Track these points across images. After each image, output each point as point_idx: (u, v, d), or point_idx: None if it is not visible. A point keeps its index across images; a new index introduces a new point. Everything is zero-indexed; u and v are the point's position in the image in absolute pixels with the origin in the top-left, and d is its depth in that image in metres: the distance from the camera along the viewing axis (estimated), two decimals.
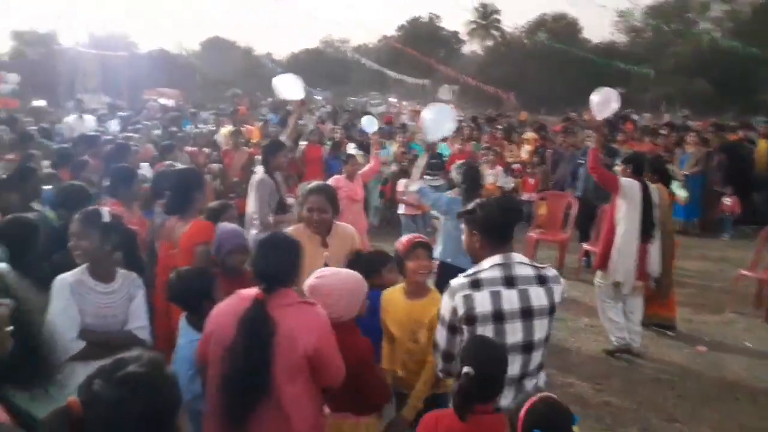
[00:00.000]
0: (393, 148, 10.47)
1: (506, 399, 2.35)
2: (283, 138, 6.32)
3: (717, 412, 4.39)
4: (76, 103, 10.87)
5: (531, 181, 10.15)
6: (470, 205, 2.62)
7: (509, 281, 2.41)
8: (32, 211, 4.03)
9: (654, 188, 5.35)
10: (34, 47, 36.66)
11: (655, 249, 5.31)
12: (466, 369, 2.12)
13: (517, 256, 2.49)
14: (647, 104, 29.92)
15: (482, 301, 2.37)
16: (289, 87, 6.28)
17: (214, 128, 10.86)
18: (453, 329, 2.45)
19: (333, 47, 50.16)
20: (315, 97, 27.96)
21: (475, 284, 2.41)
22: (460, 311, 2.39)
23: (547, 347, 2.51)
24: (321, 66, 42.73)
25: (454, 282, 2.48)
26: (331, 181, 5.55)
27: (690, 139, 10.31)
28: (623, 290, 5.28)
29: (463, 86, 32.37)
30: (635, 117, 18.96)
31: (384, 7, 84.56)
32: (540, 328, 2.42)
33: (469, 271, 2.49)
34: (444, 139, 11.07)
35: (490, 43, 47.63)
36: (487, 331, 2.36)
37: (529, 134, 12.14)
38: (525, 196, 9.96)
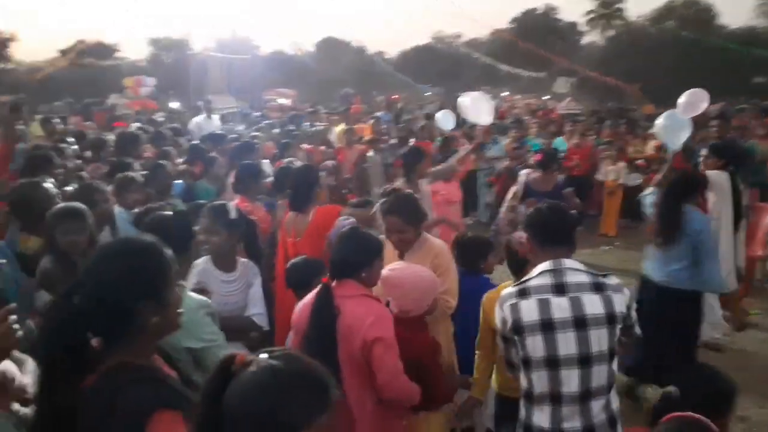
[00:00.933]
0: (504, 143, 10.23)
1: (569, 421, 2.22)
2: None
3: None
4: (205, 104, 11.63)
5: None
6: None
7: (559, 288, 2.26)
8: (165, 202, 4.38)
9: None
10: (169, 52, 39.96)
11: (740, 241, 5.18)
12: (671, 388, 1.99)
13: (570, 262, 2.32)
14: None
15: (529, 310, 2.26)
16: (478, 109, 5.87)
17: (327, 126, 11.20)
18: (506, 339, 2.39)
19: (444, 43, 49.95)
20: (425, 93, 28.02)
21: (523, 293, 2.31)
22: (509, 321, 2.31)
23: (613, 363, 2.28)
24: (432, 62, 42.72)
25: (504, 291, 2.42)
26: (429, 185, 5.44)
27: None
28: (729, 286, 4.93)
29: (581, 79, 30.92)
30: None
31: (496, 0, 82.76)
32: (598, 339, 2.21)
33: (522, 279, 2.42)
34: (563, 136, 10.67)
35: (611, 33, 45.11)
36: (536, 341, 2.24)
37: None
38: None
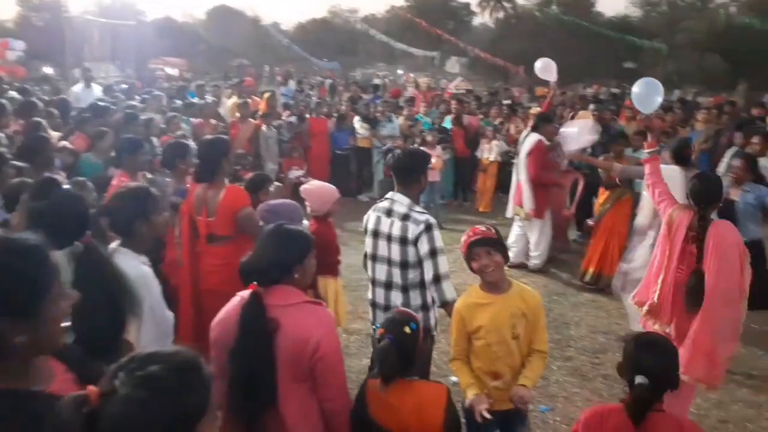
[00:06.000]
0: (399, 121, 10.44)
1: (379, 299, 3.31)
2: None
3: None
4: (84, 72, 10.77)
5: None
6: None
7: (389, 212, 3.26)
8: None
9: None
10: (40, 14, 36.30)
11: None
12: (639, 380, 2.03)
13: (400, 197, 3.24)
14: (659, 80, 29.41)
15: (369, 220, 3.36)
16: (546, 70, 8.01)
17: (216, 100, 10.83)
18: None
19: (341, 17, 49.46)
20: (318, 67, 27.70)
21: (373, 209, 3.36)
22: (364, 224, 3.40)
23: (408, 271, 3.18)
24: (328, 37, 42.23)
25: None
26: None
27: (700, 116, 10.10)
28: None
29: (472, 59, 31.95)
30: None
31: None
32: (395, 251, 3.19)
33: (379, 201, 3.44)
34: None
35: (501, 15, 46.88)
36: (368, 242, 3.33)
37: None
38: None
